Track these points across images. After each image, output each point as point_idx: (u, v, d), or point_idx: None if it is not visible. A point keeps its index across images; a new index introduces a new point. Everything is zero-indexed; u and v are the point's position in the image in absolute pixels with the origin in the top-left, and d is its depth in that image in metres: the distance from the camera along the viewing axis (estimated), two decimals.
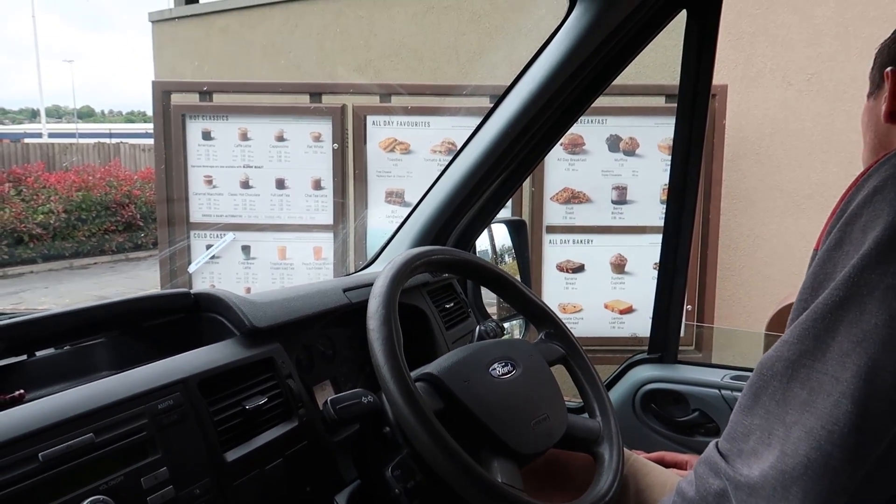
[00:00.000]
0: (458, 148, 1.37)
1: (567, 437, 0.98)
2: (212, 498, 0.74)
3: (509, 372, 0.97)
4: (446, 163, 1.36)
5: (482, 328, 1.21)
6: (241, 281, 3.32)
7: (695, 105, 1.30)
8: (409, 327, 0.98)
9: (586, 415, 1.06)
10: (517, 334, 1.56)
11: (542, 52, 1.27)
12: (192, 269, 3.30)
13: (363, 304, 1.08)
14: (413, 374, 0.91)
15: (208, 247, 3.30)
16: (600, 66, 1.25)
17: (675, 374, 1.40)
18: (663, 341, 1.39)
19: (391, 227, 3.29)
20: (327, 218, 3.26)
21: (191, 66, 5.01)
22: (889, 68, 0.81)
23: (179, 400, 0.75)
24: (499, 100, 1.32)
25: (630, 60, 1.27)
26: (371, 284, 1.13)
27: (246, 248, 3.30)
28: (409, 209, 1.41)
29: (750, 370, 1.36)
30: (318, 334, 1.08)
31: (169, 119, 3.24)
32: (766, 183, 3.57)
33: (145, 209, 10.23)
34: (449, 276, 1.38)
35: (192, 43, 5.11)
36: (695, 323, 3.21)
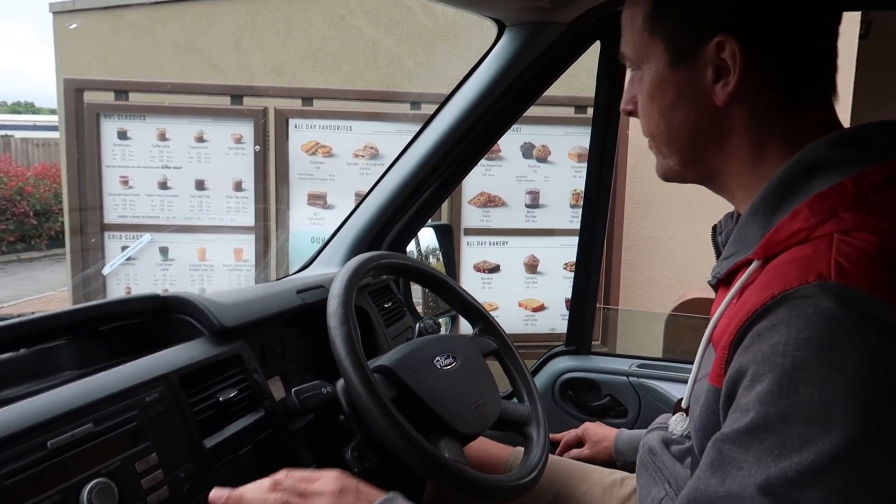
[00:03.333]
0: (395, 158, 1.48)
1: (501, 419, 1.12)
2: (194, 480, 0.82)
3: (451, 363, 1.09)
4: (368, 167, 1.47)
5: (422, 325, 1.33)
6: (159, 283, 3.27)
7: (608, 123, 1.47)
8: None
9: (515, 400, 1.20)
10: (443, 330, 1.69)
11: (472, 73, 1.40)
12: (106, 270, 3.24)
13: (316, 305, 1.18)
14: (368, 364, 1.02)
15: (124, 248, 3.24)
16: (524, 88, 1.39)
17: (589, 364, 1.57)
18: (579, 335, 1.55)
19: (313, 229, 3.33)
20: (248, 219, 3.27)
21: (97, 62, 4.83)
22: (721, 36, 0.67)
23: (164, 393, 0.83)
24: (432, 116, 1.44)
25: (551, 83, 1.42)
26: (321, 286, 1.23)
27: (164, 250, 3.26)
28: (337, 212, 1.50)
29: (652, 359, 1.55)
30: (272, 333, 1.17)
31: (82, 117, 3.15)
32: (664, 189, 3.85)
33: (39, 207, 9.66)
34: (387, 277, 1.49)
35: (98, 37, 4.93)
36: (602, 306, 3.41)
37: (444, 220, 3.32)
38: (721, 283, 0.74)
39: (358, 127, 3.24)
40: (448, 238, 1.71)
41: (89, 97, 3.21)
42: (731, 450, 0.58)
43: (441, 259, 1.70)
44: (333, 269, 1.41)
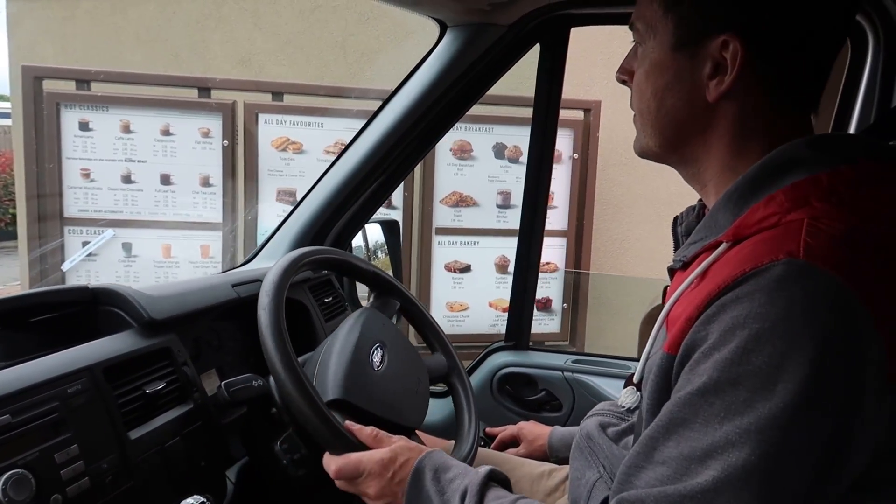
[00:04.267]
0: (338, 154, 1.50)
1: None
2: (118, 471, 0.84)
3: (383, 358, 1.12)
4: None
5: None
6: (122, 279, 3.20)
7: (546, 124, 1.50)
8: (292, 320, 1.10)
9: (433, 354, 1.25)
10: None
11: (415, 71, 1.43)
12: (66, 267, 3.17)
13: (251, 299, 1.19)
14: (326, 401, 1.04)
15: (84, 244, 3.17)
16: (466, 87, 1.42)
17: (527, 360, 1.61)
18: (517, 331, 1.59)
19: None
20: (216, 216, 3.22)
21: (53, 49, 4.72)
22: (727, 35, 0.69)
23: (87, 385, 0.84)
24: (375, 112, 1.47)
25: (492, 83, 1.45)
26: (258, 280, 1.25)
27: (127, 246, 3.20)
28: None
29: (587, 355, 1.59)
30: (207, 327, 1.19)
31: (41, 107, 3.06)
32: (632, 191, 3.88)
33: None
34: (328, 272, 1.51)
35: (54, 23, 4.78)
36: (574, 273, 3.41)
37: (416, 219, 3.33)
38: (682, 267, 0.76)
39: (329, 123, 3.22)
40: (394, 234, 1.73)
41: (48, 85, 3.13)
42: (681, 411, 0.62)
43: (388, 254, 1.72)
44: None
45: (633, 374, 0.79)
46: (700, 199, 0.83)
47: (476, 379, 1.58)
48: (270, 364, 0.96)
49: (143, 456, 0.89)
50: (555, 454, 1.30)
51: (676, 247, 0.85)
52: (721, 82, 0.70)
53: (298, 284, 1.37)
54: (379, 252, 1.69)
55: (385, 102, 1.45)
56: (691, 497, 0.59)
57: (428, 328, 1.27)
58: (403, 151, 1.45)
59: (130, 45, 4.57)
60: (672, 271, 0.80)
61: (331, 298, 1.46)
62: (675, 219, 0.88)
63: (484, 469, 0.84)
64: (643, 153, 0.81)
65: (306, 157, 3.21)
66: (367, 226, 1.59)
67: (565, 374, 1.54)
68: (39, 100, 3.09)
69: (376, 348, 1.12)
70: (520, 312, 1.58)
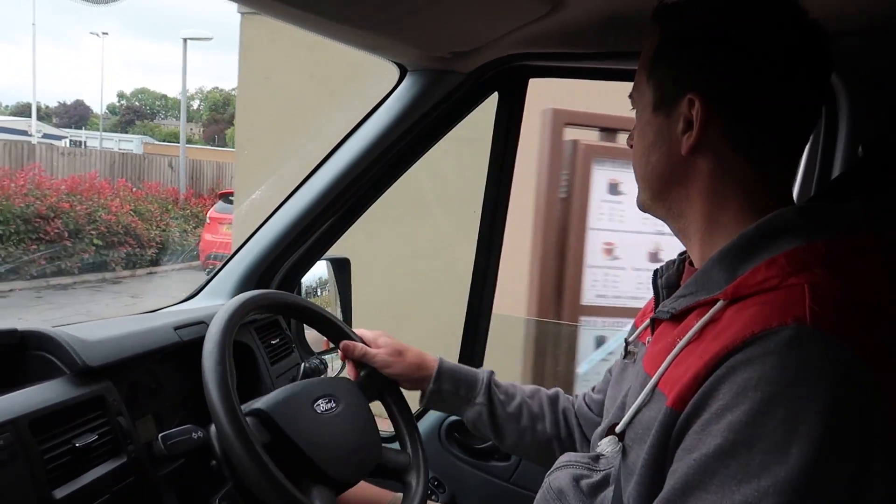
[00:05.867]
0: (290, 191, 1.47)
1: (381, 466, 1.11)
2: None
3: (332, 408, 1.08)
4: None
5: (307, 365, 1.31)
6: None
7: (502, 170, 1.51)
8: (237, 363, 1.06)
9: (398, 445, 1.19)
10: (336, 366, 1.67)
11: (374, 112, 1.41)
12: (582, 368, 2.54)
13: (193, 342, 1.14)
14: (244, 407, 0.99)
15: (599, 340, 2.49)
16: (423, 132, 1.41)
17: None
18: (469, 361, 1.57)
19: None
20: None
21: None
22: (692, 94, 0.75)
23: (9, 440, 0.78)
24: (331, 151, 1.44)
25: (449, 129, 1.45)
26: (202, 322, 1.20)
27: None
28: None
29: None
30: (145, 371, 1.12)
31: (561, 158, 2.40)
32: None
33: (73, 226, 8.46)
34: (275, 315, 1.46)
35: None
36: None
37: None
38: (671, 319, 0.79)
39: None
40: (346, 273, 1.69)
41: (573, 134, 2.47)
42: (697, 473, 0.63)
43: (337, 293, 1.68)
44: (220, 301, 1.37)
45: (614, 424, 0.79)
46: (679, 254, 0.90)
47: (424, 426, 1.54)
48: (215, 417, 0.91)
49: None
50: (435, 397, 1.18)
51: (657, 298, 0.89)
52: (690, 136, 0.76)
53: (244, 327, 1.31)
54: (320, 290, 1.65)
55: (342, 142, 1.43)
56: None
57: (376, 375, 1.23)
58: (358, 191, 1.42)
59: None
60: (656, 321, 0.83)
61: (277, 340, 1.41)
62: (656, 272, 0.92)
63: None
64: (641, 207, 0.89)
65: None
66: (317, 263, 1.55)
67: None
68: (559, 150, 2.46)
69: (329, 399, 1.08)
70: (470, 360, 1.57)
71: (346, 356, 1.21)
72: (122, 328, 1.08)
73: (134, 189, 10.87)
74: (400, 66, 1.38)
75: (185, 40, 18.93)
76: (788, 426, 0.59)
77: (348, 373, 1.22)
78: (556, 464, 1.00)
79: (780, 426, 0.60)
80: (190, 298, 1.49)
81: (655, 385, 0.74)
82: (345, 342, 1.21)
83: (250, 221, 1.60)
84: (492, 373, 1.20)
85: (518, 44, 1.30)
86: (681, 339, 0.72)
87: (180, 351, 1.14)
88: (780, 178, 0.78)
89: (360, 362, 1.21)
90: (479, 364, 1.59)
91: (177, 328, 1.15)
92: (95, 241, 8.45)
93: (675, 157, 0.79)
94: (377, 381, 1.21)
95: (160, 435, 0.95)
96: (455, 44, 1.25)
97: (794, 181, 0.80)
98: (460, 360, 1.58)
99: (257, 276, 1.44)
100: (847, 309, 0.64)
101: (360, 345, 1.20)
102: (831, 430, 0.59)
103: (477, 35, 1.23)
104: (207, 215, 10.49)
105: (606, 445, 0.80)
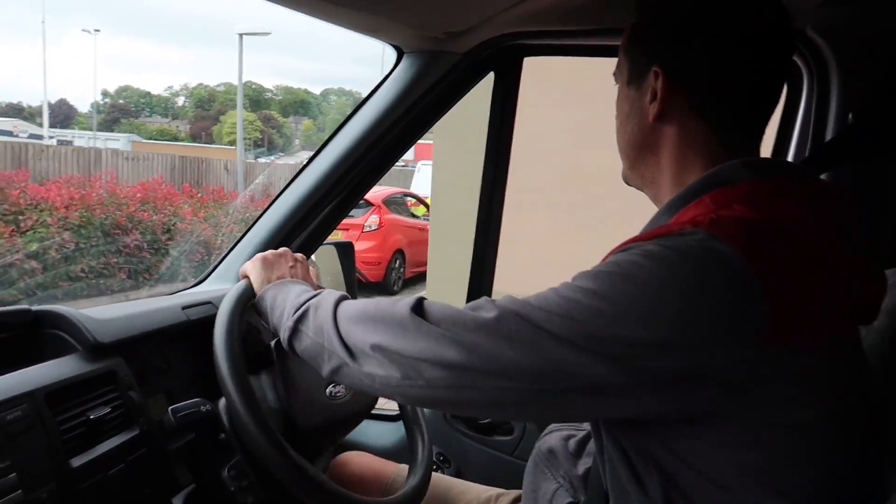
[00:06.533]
0: (296, 172, 1.50)
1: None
2: (57, 500, 0.81)
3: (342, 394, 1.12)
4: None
5: None
6: None
7: (499, 149, 1.53)
8: (246, 342, 1.09)
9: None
10: None
11: (374, 93, 1.44)
12: None
13: (202, 321, 1.17)
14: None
15: None
16: (421, 112, 1.43)
17: None
18: None
19: None
20: None
21: None
22: (656, 67, 0.81)
23: (27, 411, 0.81)
24: (332, 135, 1.47)
25: (447, 109, 1.47)
26: (209, 302, 1.23)
27: None
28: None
29: None
30: (154, 350, 1.16)
31: None
32: None
33: (150, 237, 7.92)
34: None
35: None
36: None
37: None
38: None
39: None
40: (349, 256, 1.72)
41: None
42: (557, 298, 0.68)
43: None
44: (227, 285, 1.40)
45: None
46: None
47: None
48: (225, 390, 0.94)
49: (85, 484, 0.86)
50: None
51: None
52: (654, 106, 0.82)
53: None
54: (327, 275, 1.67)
55: (342, 125, 1.45)
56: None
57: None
58: (360, 173, 1.45)
59: None
60: None
61: None
62: None
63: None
64: (624, 178, 0.93)
65: None
66: (322, 248, 1.57)
67: None
68: None
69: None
70: None
71: None
72: (132, 309, 1.12)
73: (199, 195, 10.12)
74: (397, 48, 1.40)
75: (240, 35, 19.52)
76: (658, 296, 0.64)
77: None
78: (546, 430, 1.05)
79: (651, 295, 0.64)
80: (198, 284, 1.52)
81: None
82: None
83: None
84: None
85: (512, 22, 1.32)
86: None
87: (189, 331, 1.17)
88: (742, 144, 0.81)
89: None
90: None
91: (185, 308, 1.18)
92: (172, 252, 8.00)
93: (645, 127, 0.84)
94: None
95: (170, 407, 0.98)
96: (449, 23, 1.27)
97: (758, 143, 0.82)
98: None
99: None
100: (748, 228, 0.67)
101: None
102: (693, 306, 0.63)
103: (470, 14, 1.25)
104: None
105: None
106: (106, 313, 1.04)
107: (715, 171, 0.77)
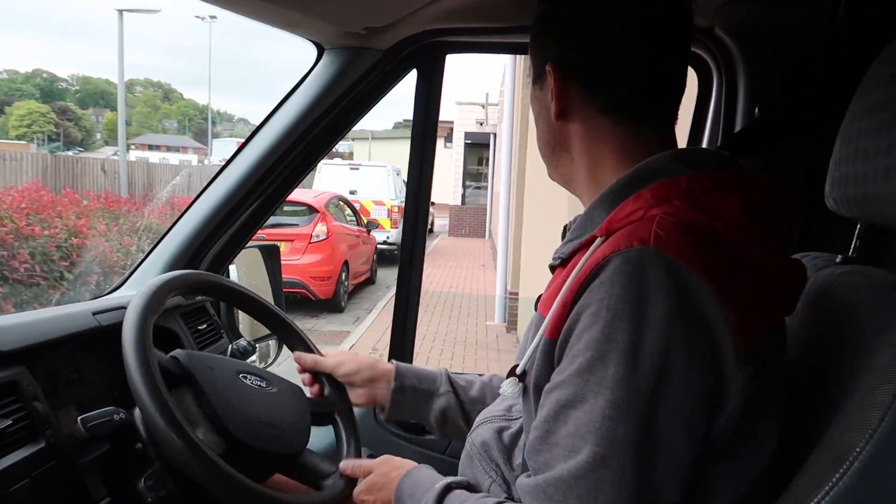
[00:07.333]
0: (214, 174, 1.45)
1: (298, 463, 1.08)
2: None
3: (261, 387, 1.08)
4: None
5: (234, 346, 1.30)
6: None
7: (424, 145, 1.53)
8: (163, 349, 1.04)
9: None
10: (272, 353, 1.66)
11: (293, 93, 1.41)
12: None
13: (113, 327, 1.12)
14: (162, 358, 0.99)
15: None
16: (343, 111, 1.42)
17: None
18: (401, 352, 1.58)
19: None
20: None
21: None
22: (549, 65, 0.82)
23: None
24: (251, 134, 1.43)
25: (370, 107, 1.46)
26: (122, 307, 1.18)
27: None
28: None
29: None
30: (64, 358, 1.10)
31: None
32: None
33: (41, 257, 6.45)
34: (202, 298, 1.44)
35: None
36: None
37: None
38: (561, 264, 0.83)
39: None
40: (275, 259, 1.69)
41: None
42: (566, 393, 0.69)
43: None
44: None
45: (515, 367, 0.82)
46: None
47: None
48: (137, 396, 0.90)
49: None
50: (398, 396, 1.17)
51: None
52: (554, 104, 0.83)
53: (169, 312, 1.29)
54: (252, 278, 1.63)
55: (262, 124, 1.42)
56: (579, 476, 0.66)
57: (304, 350, 1.23)
58: (281, 173, 1.42)
59: None
60: (553, 268, 0.87)
61: (205, 326, 1.39)
62: (565, 227, 0.95)
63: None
64: (550, 178, 0.94)
65: None
66: (246, 250, 1.53)
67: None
68: None
69: (262, 380, 1.09)
70: (402, 333, 1.58)
71: (301, 367, 1.21)
72: (38, 315, 1.05)
73: (84, 202, 8.54)
74: (317, 44, 1.38)
75: (120, 12, 16.53)
76: (635, 338, 0.65)
77: (310, 392, 1.21)
78: (476, 423, 1.03)
79: (628, 338, 0.65)
80: (114, 290, 1.45)
81: (534, 327, 0.79)
82: (297, 353, 1.22)
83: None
84: (446, 369, 1.22)
85: (433, 19, 1.32)
86: (567, 280, 0.76)
87: (101, 338, 1.12)
88: (652, 133, 0.82)
89: (294, 340, 1.21)
90: (411, 343, 1.60)
91: (95, 313, 1.12)
92: (67, 274, 6.72)
93: (552, 126, 0.85)
94: (332, 402, 1.19)
95: (79, 417, 0.93)
96: (369, 19, 1.26)
97: (672, 134, 0.84)
98: (392, 337, 1.59)
99: (181, 264, 1.41)
100: (688, 234, 0.68)
101: (311, 355, 1.21)
102: (673, 339, 0.65)
103: (390, 9, 1.24)
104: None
105: (507, 387, 0.83)
106: (7, 320, 0.98)
107: (644, 164, 0.78)
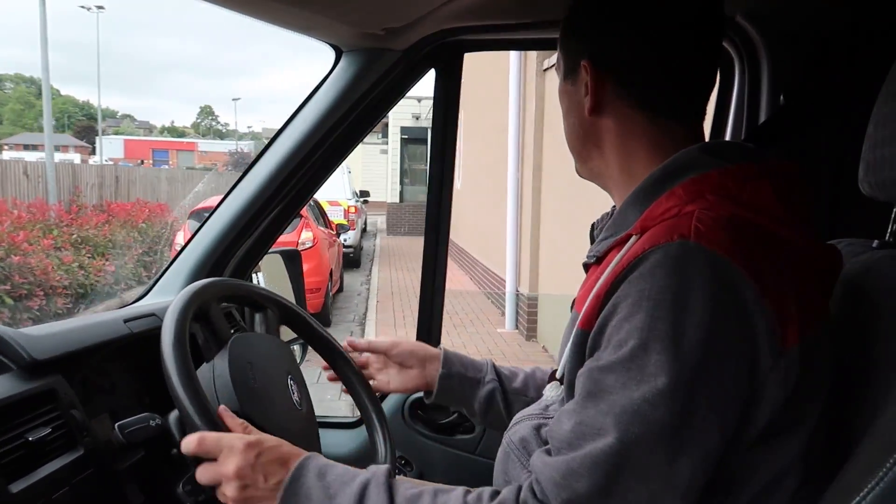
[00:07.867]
0: (235, 181, 1.45)
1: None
2: None
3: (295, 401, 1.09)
4: None
5: None
6: None
7: (444, 147, 1.53)
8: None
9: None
10: (297, 356, 1.66)
11: (312, 95, 1.41)
12: None
13: (146, 334, 1.12)
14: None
15: None
16: (363, 112, 1.42)
17: None
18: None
19: None
20: None
21: None
22: (584, 61, 0.83)
23: None
24: (273, 137, 1.43)
25: (389, 108, 1.46)
26: (153, 314, 1.18)
27: None
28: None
29: None
30: (96, 367, 1.10)
31: None
32: None
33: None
34: (227, 305, 1.44)
35: None
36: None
37: None
38: (595, 263, 0.83)
39: None
40: (296, 264, 1.68)
41: None
42: (604, 377, 0.69)
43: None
44: (171, 298, 1.35)
45: (555, 371, 0.82)
46: (612, 207, 0.93)
47: (387, 406, 1.55)
48: (177, 401, 0.90)
49: None
50: (445, 382, 1.18)
51: None
52: (588, 99, 0.84)
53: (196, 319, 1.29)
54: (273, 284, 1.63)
55: (282, 129, 1.42)
56: (610, 453, 0.66)
57: (339, 359, 1.23)
58: (303, 177, 1.42)
59: None
60: (587, 267, 0.87)
61: (233, 332, 1.39)
62: (593, 225, 0.96)
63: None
64: (577, 172, 0.94)
65: None
66: (267, 256, 1.53)
67: None
68: None
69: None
70: (427, 335, 1.58)
71: (353, 349, 1.25)
72: (71, 324, 1.06)
73: (15, 212, 7.62)
74: (335, 47, 1.38)
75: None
76: (677, 327, 0.66)
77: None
78: (513, 421, 1.03)
79: (670, 328, 0.66)
80: (140, 299, 1.46)
81: (571, 327, 0.79)
82: (349, 339, 1.26)
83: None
84: (490, 359, 1.24)
85: (451, 18, 1.32)
86: (602, 275, 0.76)
87: (132, 346, 1.12)
88: (682, 128, 0.83)
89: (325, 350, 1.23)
90: (437, 340, 1.60)
91: (126, 321, 1.13)
92: (7, 299, 5.93)
93: (584, 121, 0.86)
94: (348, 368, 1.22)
95: (116, 424, 0.93)
96: (388, 19, 1.26)
97: (701, 128, 0.85)
98: (418, 337, 1.59)
99: (205, 271, 1.42)
100: (727, 227, 0.69)
101: (365, 339, 1.25)
102: (714, 330, 0.65)
103: (409, 9, 1.24)
104: (177, 237, 7.70)
105: (549, 391, 0.84)
106: (42, 330, 0.99)
107: (673, 159, 0.78)
